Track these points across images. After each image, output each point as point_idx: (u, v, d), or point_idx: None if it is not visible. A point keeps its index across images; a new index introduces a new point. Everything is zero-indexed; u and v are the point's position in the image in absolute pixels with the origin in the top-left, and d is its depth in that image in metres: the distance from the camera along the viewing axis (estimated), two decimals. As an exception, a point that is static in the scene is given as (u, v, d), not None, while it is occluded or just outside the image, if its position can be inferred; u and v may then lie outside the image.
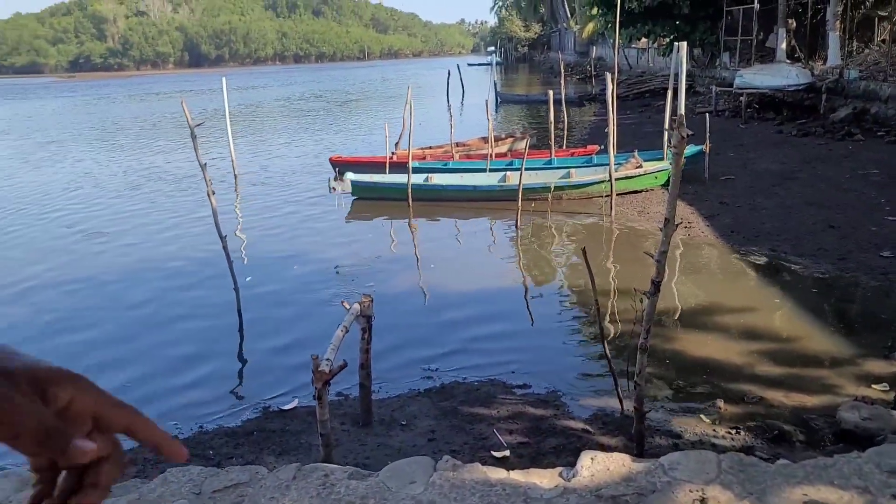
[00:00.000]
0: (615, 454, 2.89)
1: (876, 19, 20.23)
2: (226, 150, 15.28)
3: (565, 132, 15.67)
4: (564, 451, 4.18)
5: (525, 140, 14.83)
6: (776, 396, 4.86)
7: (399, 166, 12.66)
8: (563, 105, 15.41)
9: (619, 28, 18.06)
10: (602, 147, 13.26)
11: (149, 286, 8.35)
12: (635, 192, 11.44)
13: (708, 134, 11.18)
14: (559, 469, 2.86)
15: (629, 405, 4.44)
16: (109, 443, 0.58)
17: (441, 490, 2.75)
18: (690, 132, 3.59)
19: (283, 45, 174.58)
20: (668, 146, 11.84)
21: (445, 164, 13.68)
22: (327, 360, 3.50)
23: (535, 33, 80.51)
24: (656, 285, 3.67)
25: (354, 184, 12.09)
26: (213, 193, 6.75)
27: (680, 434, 4.41)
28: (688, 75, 13.51)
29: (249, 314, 6.94)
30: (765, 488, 2.58)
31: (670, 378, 5.34)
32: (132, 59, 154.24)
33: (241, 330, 6.75)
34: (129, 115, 35.23)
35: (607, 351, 4.65)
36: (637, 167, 11.59)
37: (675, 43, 12.09)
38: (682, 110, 11.06)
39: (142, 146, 22.05)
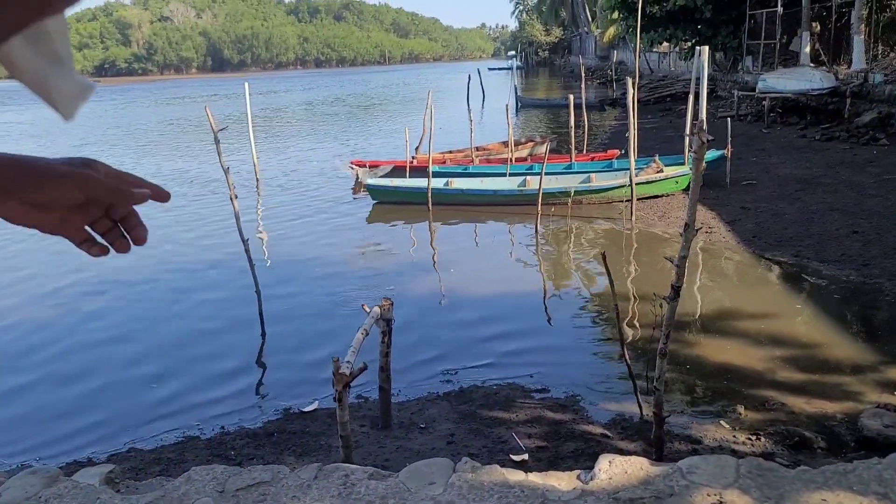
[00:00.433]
0: (633, 457, 2.91)
1: (902, 23, 19.96)
2: (249, 155, 15.46)
3: (585, 136, 15.66)
4: (583, 456, 4.19)
5: (545, 144, 14.86)
6: (797, 403, 4.83)
7: (419, 170, 12.73)
8: (584, 109, 15.42)
9: (641, 32, 18.01)
10: (623, 151, 13.23)
11: (170, 287, 8.47)
12: (656, 196, 11.40)
13: (730, 138, 11.11)
14: (577, 472, 2.88)
15: (648, 410, 4.43)
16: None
17: (460, 491, 2.78)
18: (711, 137, 3.57)
19: (305, 49, 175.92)
20: (688, 151, 11.78)
21: (465, 169, 13.72)
22: (347, 362, 3.54)
23: (556, 37, 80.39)
24: (676, 290, 3.67)
25: (374, 188, 12.16)
26: (236, 197, 6.85)
27: (699, 440, 4.40)
28: (710, 79, 13.44)
29: (270, 316, 7.01)
30: (783, 493, 2.58)
31: (691, 383, 5.33)
32: (156, 64, 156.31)
33: (262, 332, 6.83)
34: (155, 120, 35.72)
35: (626, 356, 4.65)
36: (658, 172, 11.55)
37: (697, 47, 12.04)
38: (703, 115, 11.01)
39: (170, 150, 22.39)
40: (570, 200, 11.04)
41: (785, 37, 22.50)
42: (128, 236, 0.78)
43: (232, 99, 46.21)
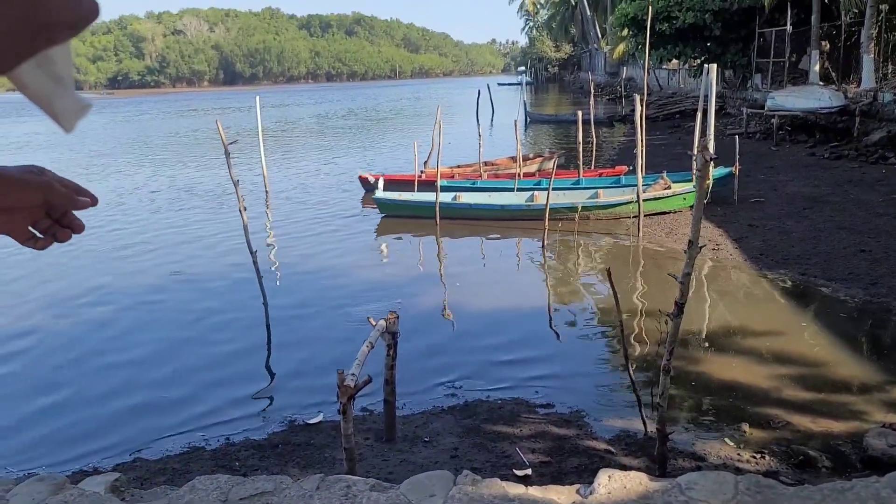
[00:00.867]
0: (632, 473, 2.92)
1: (912, 42, 19.95)
2: (259, 167, 15.58)
3: (594, 152, 15.70)
4: (586, 472, 4.19)
5: (553, 160, 14.93)
6: (802, 421, 4.82)
7: (428, 184, 12.79)
8: (592, 125, 15.47)
9: (650, 49, 18.10)
10: (630, 168, 13.26)
11: (177, 299, 8.54)
12: (664, 213, 11.41)
13: (738, 156, 11.13)
14: (576, 486, 2.89)
15: (652, 426, 4.43)
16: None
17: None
18: (715, 156, 3.61)
19: (316, 63, 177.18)
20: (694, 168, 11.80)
21: (474, 183, 13.78)
22: (352, 374, 3.57)
23: (566, 54, 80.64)
24: (679, 307, 3.69)
25: (383, 201, 12.23)
26: (245, 210, 6.92)
27: (703, 457, 4.39)
28: (719, 97, 13.47)
29: (277, 328, 7.06)
30: (783, 511, 2.59)
31: (696, 400, 5.33)
32: (168, 77, 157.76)
33: (269, 343, 6.87)
34: (169, 131, 36.04)
35: (631, 372, 4.66)
36: (665, 188, 11.57)
37: (706, 65, 12.09)
38: (711, 132, 11.04)
39: (184, 161, 22.60)
40: (577, 216, 11.06)
41: (794, 55, 22.54)
42: (67, 229, 0.86)
43: (244, 112, 46.61)
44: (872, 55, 18.36)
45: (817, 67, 20.63)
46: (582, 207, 11.22)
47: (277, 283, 8.78)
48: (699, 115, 11.53)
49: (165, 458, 4.82)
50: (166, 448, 4.99)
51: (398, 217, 12.13)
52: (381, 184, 12.67)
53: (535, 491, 2.85)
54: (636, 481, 2.81)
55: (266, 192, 14.96)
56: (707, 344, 6.45)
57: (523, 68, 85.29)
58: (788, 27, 21.72)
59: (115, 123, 44.13)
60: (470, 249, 10.74)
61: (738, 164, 11.10)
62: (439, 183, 11.38)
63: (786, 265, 8.37)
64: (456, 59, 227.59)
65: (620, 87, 39.02)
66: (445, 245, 10.85)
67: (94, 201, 0.86)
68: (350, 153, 23.39)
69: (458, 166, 15.80)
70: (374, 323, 4.36)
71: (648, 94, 22.84)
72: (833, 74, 20.78)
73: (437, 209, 11.22)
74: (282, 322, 7.27)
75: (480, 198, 12.37)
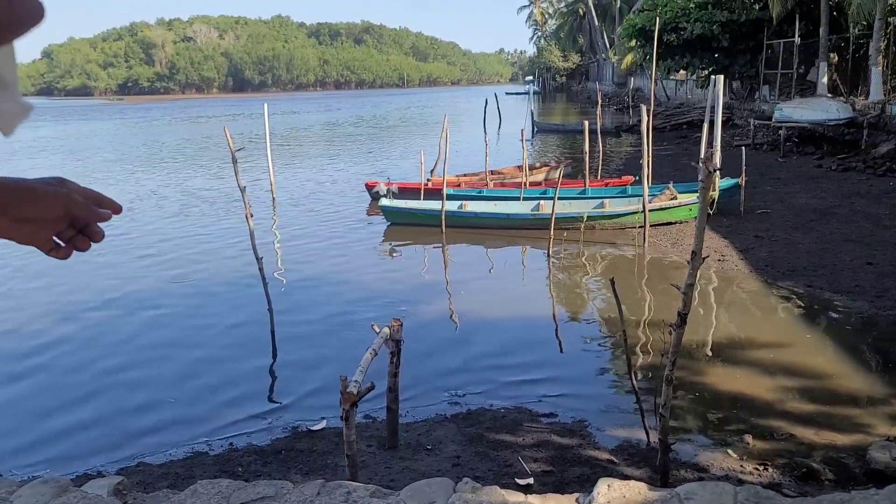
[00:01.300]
0: (632, 482, 2.92)
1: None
2: (266, 174, 15.64)
3: (600, 162, 15.69)
4: (588, 481, 4.17)
5: (559, 169, 14.96)
6: (806, 434, 4.80)
7: (434, 193, 12.83)
8: (599, 135, 15.48)
9: (658, 60, 18.12)
10: (637, 178, 13.27)
11: (183, 304, 8.58)
12: (669, 223, 11.40)
13: (744, 167, 11.12)
14: (576, 495, 2.90)
15: (655, 437, 4.43)
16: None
17: (461, 512, 2.80)
18: (718, 167, 3.64)
19: (325, 71, 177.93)
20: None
21: (480, 192, 13.81)
22: (355, 381, 3.58)
23: (574, 63, 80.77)
24: (682, 317, 3.69)
25: (389, 209, 12.26)
26: (252, 216, 6.95)
27: (706, 468, 4.38)
28: (726, 108, 13.49)
29: (282, 334, 7.08)
30: (783, 523, 2.58)
31: (699, 411, 5.31)
32: (178, 84, 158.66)
33: (273, 349, 6.89)
34: (180, 138, 36.25)
35: (634, 382, 4.65)
36: (672, 199, 11.56)
37: (713, 76, 12.10)
38: (717, 144, 11.04)
39: (196, 167, 22.75)
40: (582, 225, 11.06)
41: (802, 67, 22.52)
42: (88, 238, 0.88)
43: (253, 118, 46.80)
44: (881, 67, 18.33)
45: (825, 79, 20.61)
46: (588, 217, 11.22)
47: (282, 290, 8.80)
48: (706, 125, 11.53)
49: (169, 463, 4.84)
50: (170, 453, 5.01)
51: (404, 225, 12.16)
52: (394, 189, 12.72)
53: (534, 500, 2.85)
54: (635, 491, 2.81)
55: (273, 198, 15.02)
56: (711, 354, 6.44)
57: (531, 78, 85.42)
58: (797, 39, 21.72)
59: (127, 130, 44.45)
60: (475, 258, 10.75)
61: (744, 175, 11.09)
62: (445, 191, 11.42)
63: (792, 277, 8.34)
64: (464, 68, 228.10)
65: (628, 97, 39.07)
66: (451, 253, 10.87)
67: (116, 210, 0.88)
68: (357, 160, 23.47)
69: (465, 175, 15.84)
70: (378, 330, 4.38)
71: (656, 105, 22.87)
72: (841, 86, 20.75)
73: (443, 217, 11.25)
74: (286, 328, 7.29)
75: (486, 206, 12.40)
